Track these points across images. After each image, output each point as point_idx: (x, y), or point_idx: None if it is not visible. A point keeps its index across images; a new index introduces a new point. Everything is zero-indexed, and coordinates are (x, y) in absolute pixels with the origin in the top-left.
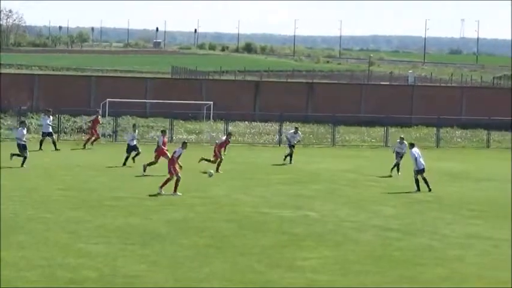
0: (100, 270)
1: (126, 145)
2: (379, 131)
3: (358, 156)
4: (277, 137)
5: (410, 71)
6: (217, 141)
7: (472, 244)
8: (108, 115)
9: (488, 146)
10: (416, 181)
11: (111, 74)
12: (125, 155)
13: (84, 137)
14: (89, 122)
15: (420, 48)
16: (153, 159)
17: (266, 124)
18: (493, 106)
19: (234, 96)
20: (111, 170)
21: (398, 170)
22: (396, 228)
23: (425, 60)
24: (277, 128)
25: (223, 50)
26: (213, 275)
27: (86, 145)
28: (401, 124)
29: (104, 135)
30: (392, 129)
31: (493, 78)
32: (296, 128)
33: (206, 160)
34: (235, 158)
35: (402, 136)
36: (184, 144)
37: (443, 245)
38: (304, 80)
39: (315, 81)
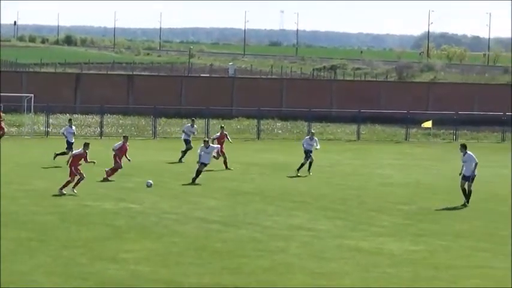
0: None
1: (66, 142)
2: (200, 123)
3: (180, 148)
4: (99, 129)
5: (230, 63)
6: (211, 138)
7: (294, 235)
8: None
9: None
10: (198, 172)
11: None
12: (61, 151)
13: None
14: None
15: (240, 40)
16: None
17: (87, 116)
18: (313, 98)
19: (54, 88)
20: None
21: (309, 168)
22: (218, 220)
23: (246, 52)
24: (99, 120)
25: (43, 42)
26: (37, 268)
27: None
28: (222, 116)
29: None
30: (213, 121)
31: (313, 69)
32: (192, 121)
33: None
34: (58, 151)
35: (313, 131)
36: (86, 146)
37: (266, 237)
38: (124, 72)
39: (135, 73)
